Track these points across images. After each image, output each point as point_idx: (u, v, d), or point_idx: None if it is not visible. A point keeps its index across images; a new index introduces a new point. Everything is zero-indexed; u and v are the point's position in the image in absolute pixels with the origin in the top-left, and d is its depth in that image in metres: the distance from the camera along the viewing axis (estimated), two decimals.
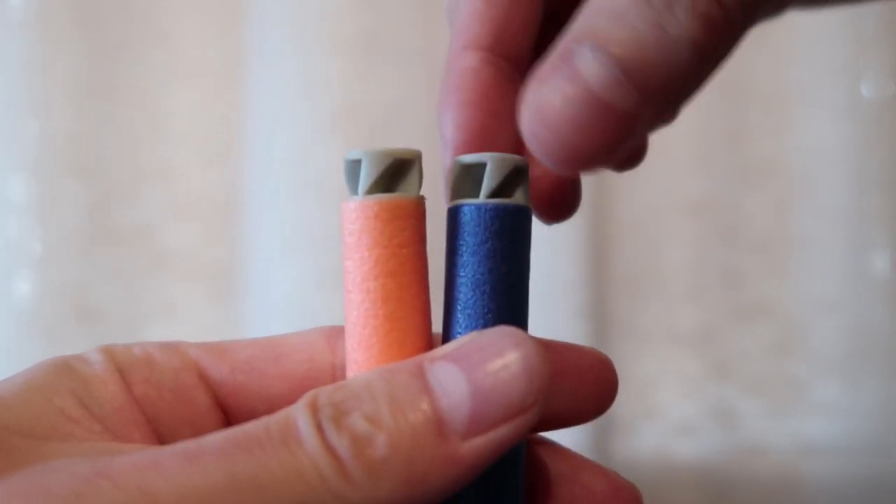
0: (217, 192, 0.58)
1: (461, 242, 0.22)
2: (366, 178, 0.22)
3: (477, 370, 0.19)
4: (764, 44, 0.58)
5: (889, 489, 0.58)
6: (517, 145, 0.23)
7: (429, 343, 0.22)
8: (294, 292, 0.55)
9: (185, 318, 0.58)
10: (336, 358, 0.25)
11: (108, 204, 0.58)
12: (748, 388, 0.60)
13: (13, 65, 0.56)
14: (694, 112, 0.62)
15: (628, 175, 0.59)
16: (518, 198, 0.22)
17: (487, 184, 0.22)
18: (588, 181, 0.57)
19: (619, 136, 0.19)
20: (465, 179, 0.22)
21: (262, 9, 0.56)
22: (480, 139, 0.22)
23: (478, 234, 0.22)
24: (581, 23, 0.20)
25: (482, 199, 0.22)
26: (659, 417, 0.60)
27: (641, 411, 0.60)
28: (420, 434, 0.19)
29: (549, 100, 0.19)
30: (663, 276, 0.60)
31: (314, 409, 0.19)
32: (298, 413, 0.19)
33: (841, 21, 0.58)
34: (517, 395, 0.19)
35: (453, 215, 0.22)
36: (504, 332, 0.20)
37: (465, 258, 0.22)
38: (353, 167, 0.22)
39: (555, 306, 0.55)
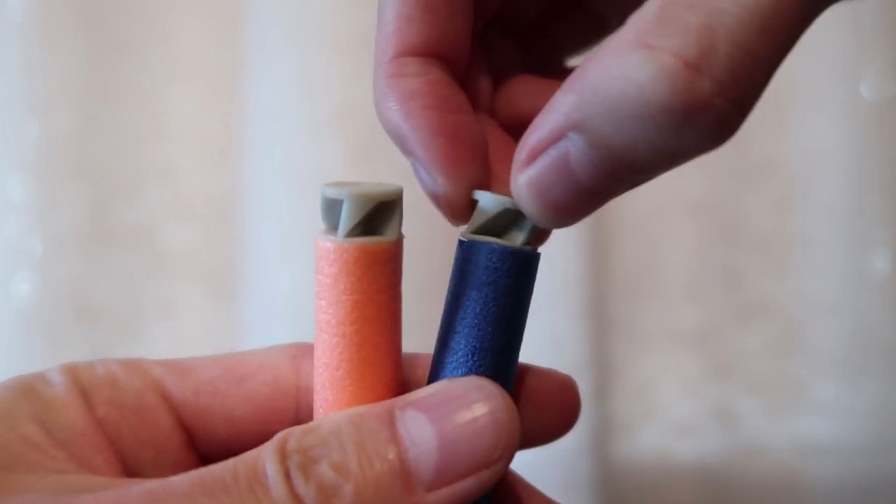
0: (217, 192, 0.58)
1: (471, 279, 0.22)
2: (347, 221, 0.21)
3: (445, 421, 0.19)
4: None
5: (889, 489, 0.58)
6: (482, 136, 0.23)
7: (400, 385, 0.22)
8: (294, 292, 0.55)
9: (185, 318, 0.58)
10: (300, 380, 0.25)
11: (108, 204, 0.58)
12: (748, 388, 0.60)
13: (13, 65, 0.56)
14: None
15: None
16: (532, 242, 0.22)
17: (527, 231, 0.22)
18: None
19: (594, 208, 0.21)
20: (491, 217, 0.22)
21: (262, 9, 0.56)
22: (457, 139, 0.22)
23: (491, 275, 0.21)
24: (575, 105, 0.19)
25: (517, 243, 0.22)
26: (659, 417, 0.60)
27: (641, 411, 0.60)
28: (386, 485, 0.19)
29: (541, 180, 0.20)
30: (663, 276, 0.60)
31: (283, 456, 0.19)
32: (267, 458, 0.19)
33: (841, 21, 0.58)
34: (484, 448, 0.19)
35: (466, 251, 0.22)
36: (475, 383, 0.20)
37: (471, 294, 0.22)
38: (332, 205, 0.21)
39: (555, 306, 0.55)
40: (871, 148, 0.59)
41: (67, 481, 0.20)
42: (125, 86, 0.58)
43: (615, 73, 0.18)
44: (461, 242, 0.22)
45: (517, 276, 0.22)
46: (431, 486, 0.19)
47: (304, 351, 0.25)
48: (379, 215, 0.21)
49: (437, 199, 0.22)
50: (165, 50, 0.58)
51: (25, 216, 0.56)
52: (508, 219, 0.22)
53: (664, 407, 0.60)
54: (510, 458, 0.20)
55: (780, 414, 0.60)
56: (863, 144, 0.59)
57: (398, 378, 0.22)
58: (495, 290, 0.21)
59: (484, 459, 0.19)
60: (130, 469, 0.23)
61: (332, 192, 0.21)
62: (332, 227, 0.21)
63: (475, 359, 0.21)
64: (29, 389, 0.22)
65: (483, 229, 0.22)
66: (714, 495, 0.60)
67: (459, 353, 0.22)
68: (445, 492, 0.19)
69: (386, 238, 0.21)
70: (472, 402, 0.20)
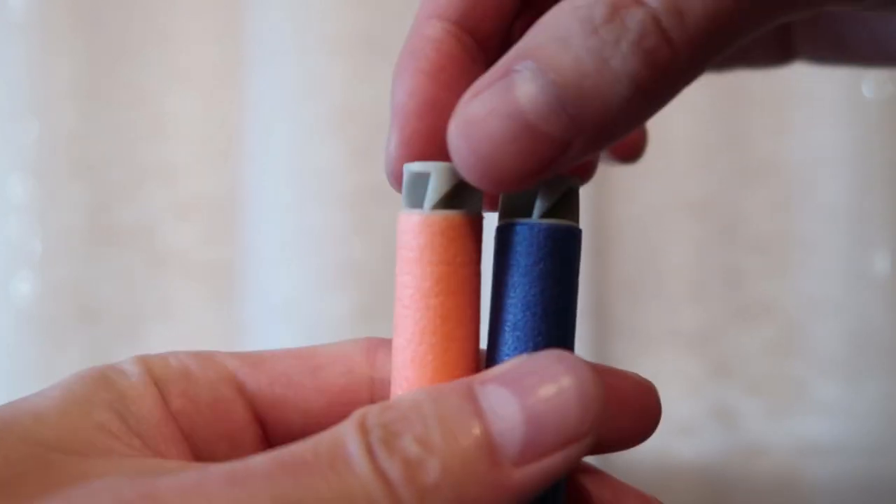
0: (217, 192, 0.58)
1: (512, 262, 0.22)
2: (433, 193, 0.21)
3: (530, 395, 0.19)
4: None
5: (889, 489, 0.58)
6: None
7: (479, 364, 0.22)
8: (294, 292, 0.55)
9: (185, 319, 0.58)
10: (375, 371, 0.24)
11: (108, 204, 0.58)
12: (748, 388, 0.60)
13: (13, 65, 0.56)
14: (694, 112, 0.62)
15: (628, 175, 0.59)
16: (571, 218, 0.22)
17: (541, 204, 0.21)
18: (588, 182, 0.57)
19: (543, 161, 0.19)
20: (517, 197, 0.22)
21: (262, 9, 0.56)
22: (430, 111, 0.21)
23: (531, 255, 0.21)
24: (526, 41, 0.19)
25: (536, 219, 0.21)
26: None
27: None
28: (472, 459, 0.18)
29: (477, 114, 0.19)
30: (663, 276, 0.60)
31: (364, 431, 0.18)
32: (348, 434, 0.18)
33: None
34: (572, 422, 0.18)
35: (505, 234, 0.22)
36: (557, 356, 0.19)
37: (515, 279, 0.21)
38: (417, 179, 0.21)
39: None
40: (872, 148, 0.59)
41: (144, 465, 0.20)
42: (125, 86, 0.58)
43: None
44: (499, 229, 0.22)
45: (563, 248, 0.22)
46: (518, 461, 0.18)
47: (377, 344, 0.25)
48: (461, 191, 0.21)
49: (386, 160, 0.22)
50: (165, 50, 0.58)
51: (25, 216, 0.56)
52: (528, 191, 0.22)
53: (664, 407, 0.60)
54: (598, 432, 0.19)
55: (780, 414, 0.60)
56: (863, 144, 0.59)
57: (478, 358, 0.22)
58: (546, 267, 0.21)
59: (572, 433, 0.18)
60: (204, 462, 0.23)
61: (419, 167, 0.21)
62: (414, 205, 0.21)
63: (539, 338, 0.21)
64: (103, 379, 0.22)
65: (513, 210, 0.22)
66: (714, 495, 0.60)
67: (520, 332, 0.21)
68: (533, 467, 0.18)
69: (469, 211, 0.21)
70: (557, 375, 0.19)
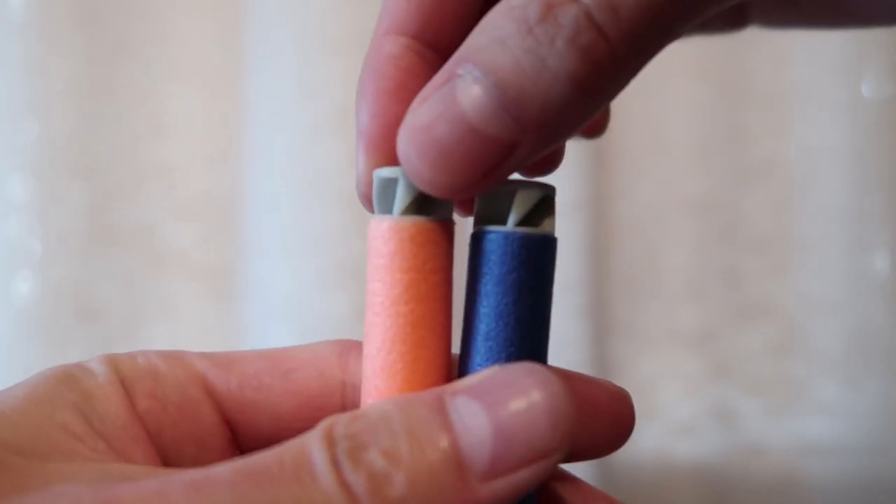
0: (217, 192, 0.58)
1: (486, 271, 0.21)
2: (402, 198, 0.21)
3: (500, 409, 0.18)
4: (764, 43, 0.58)
5: (889, 489, 0.58)
6: None
7: (450, 373, 0.21)
8: (294, 292, 0.55)
9: (185, 318, 0.58)
10: (346, 375, 0.24)
11: (108, 204, 0.57)
12: (748, 388, 0.60)
13: (13, 65, 0.56)
14: (694, 112, 0.62)
15: (628, 175, 0.59)
16: (546, 227, 0.22)
17: (516, 212, 0.21)
18: (588, 181, 0.57)
19: (490, 165, 0.19)
20: (492, 204, 0.21)
21: (262, 9, 0.56)
22: (396, 131, 0.21)
23: (504, 264, 0.21)
24: (467, 44, 0.19)
25: (510, 227, 0.21)
26: (659, 417, 0.60)
27: (641, 411, 0.60)
28: (438, 473, 0.18)
29: (423, 121, 0.19)
30: (663, 276, 0.60)
31: (330, 442, 0.18)
32: (314, 445, 0.18)
33: None
34: (541, 438, 0.18)
35: (478, 242, 0.21)
36: (528, 369, 0.19)
37: (489, 287, 0.21)
38: (387, 185, 0.21)
39: (555, 306, 0.55)
40: (871, 148, 0.59)
41: (107, 469, 0.19)
42: (125, 86, 0.58)
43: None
44: (473, 236, 0.22)
45: (537, 257, 0.22)
46: (486, 476, 0.18)
47: (350, 347, 0.25)
48: (431, 196, 0.21)
49: (357, 183, 0.22)
50: (165, 50, 0.58)
51: (25, 216, 0.56)
52: (504, 199, 0.21)
53: (664, 407, 0.60)
54: (568, 448, 0.18)
55: (780, 414, 0.60)
56: (863, 144, 0.59)
57: (448, 366, 0.22)
58: (520, 276, 0.21)
59: (541, 449, 0.18)
60: (170, 465, 0.23)
61: (388, 172, 0.21)
62: (384, 211, 0.21)
63: (512, 349, 0.21)
64: (69, 378, 0.22)
65: (488, 217, 0.21)
66: (714, 495, 0.60)
67: (492, 342, 0.21)
68: (500, 483, 0.18)
69: (439, 217, 0.21)
70: (527, 388, 0.18)
